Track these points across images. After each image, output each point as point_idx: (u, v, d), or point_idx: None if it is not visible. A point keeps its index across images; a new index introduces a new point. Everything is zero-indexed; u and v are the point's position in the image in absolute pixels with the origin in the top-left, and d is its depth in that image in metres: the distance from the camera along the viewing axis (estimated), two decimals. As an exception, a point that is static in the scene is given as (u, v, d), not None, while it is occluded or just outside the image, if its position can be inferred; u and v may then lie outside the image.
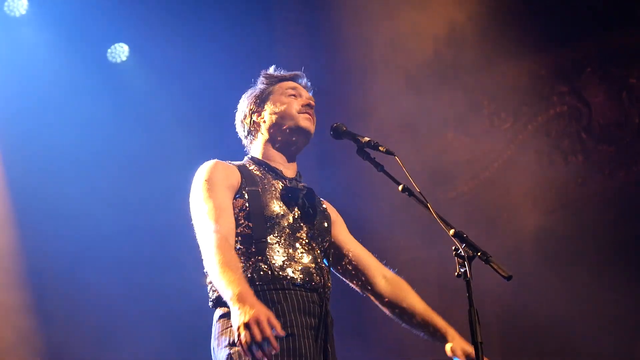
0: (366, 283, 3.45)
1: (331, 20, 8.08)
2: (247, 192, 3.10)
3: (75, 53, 6.97)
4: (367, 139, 3.18)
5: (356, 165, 7.07)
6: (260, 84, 3.41)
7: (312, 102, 3.34)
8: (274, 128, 3.30)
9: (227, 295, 2.69)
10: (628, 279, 6.96)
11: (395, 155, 3.05)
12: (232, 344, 2.93)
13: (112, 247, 6.86)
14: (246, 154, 3.39)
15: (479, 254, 2.75)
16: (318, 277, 3.11)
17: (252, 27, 7.75)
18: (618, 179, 7.35)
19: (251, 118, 3.36)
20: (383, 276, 3.46)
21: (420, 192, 3.00)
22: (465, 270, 2.73)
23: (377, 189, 7.48)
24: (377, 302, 3.48)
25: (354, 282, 3.48)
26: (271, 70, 3.45)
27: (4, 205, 6.64)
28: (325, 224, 3.29)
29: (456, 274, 2.75)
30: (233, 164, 3.24)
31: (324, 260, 3.25)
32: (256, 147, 3.34)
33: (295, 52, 8.18)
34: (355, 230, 7.74)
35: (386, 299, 3.42)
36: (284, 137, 3.29)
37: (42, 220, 6.74)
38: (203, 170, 3.15)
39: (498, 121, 7.71)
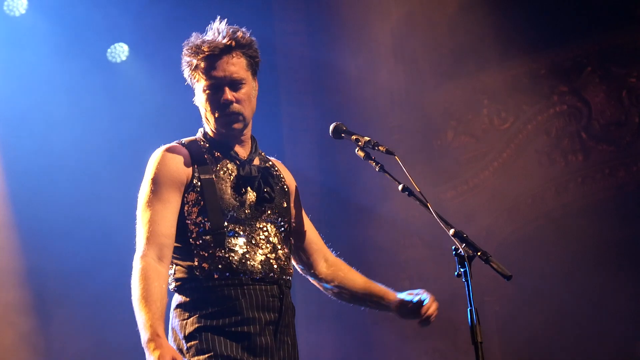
0: (307, 264, 3.40)
1: (331, 20, 8.08)
2: (200, 182, 3.00)
3: (75, 53, 6.97)
4: (367, 138, 3.17)
5: (356, 164, 7.08)
6: (185, 60, 3.24)
7: (228, 97, 3.08)
8: (207, 123, 3.16)
9: (142, 337, 2.76)
10: (628, 278, 6.96)
11: (395, 155, 3.05)
12: (187, 338, 2.94)
13: (113, 247, 6.85)
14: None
15: (479, 253, 2.74)
16: (278, 268, 3.04)
17: (253, 27, 7.75)
18: (618, 179, 7.35)
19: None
20: (325, 259, 3.42)
21: (420, 192, 2.99)
22: (465, 270, 2.72)
23: (377, 190, 7.49)
24: (316, 283, 3.45)
25: (297, 262, 3.40)
26: (192, 40, 3.28)
27: (3, 206, 6.65)
28: (285, 204, 3.18)
29: (456, 273, 2.75)
30: (185, 145, 3.11)
31: (288, 245, 3.17)
32: (205, 125, 3.20)
33: (296, 51, 8.18)
34: (356, 231, 7.76)
35: (327, 284, 3.39)
36: (219, 132, 3.13)
37: (41, 220, 6.74)
38: (149, 165, 3.06)
39: (498, 120, 7.71)
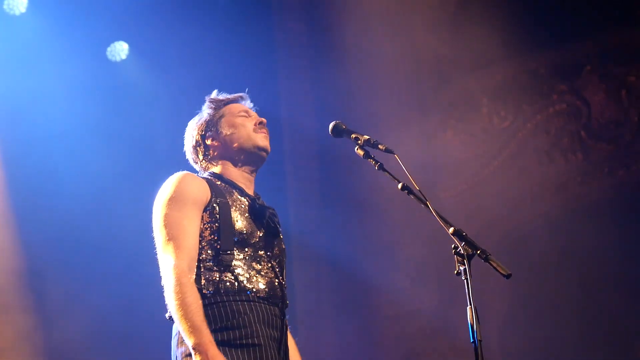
0: None
1: (334, 24, 8.09)
2: (217, 204, 3.11)
3: (74, 51, 6.97)
4: (366, 137, 3.18)
5: (354, 162, 7.09)
6: (207, 110, 3.42)
7: (264, 120, 3.38)
8: (232, 149, 3.32)
9: (189, 343, 2.80)
10: (629, 277, 6.97)
11: (395, 154, 3.05)
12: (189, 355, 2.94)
13: (113, 247, 6.86)
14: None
15: (478, 252, 2.75)
16: (280, 293, 3.15)
17: (252, 26, 7.76)
18: (617, 178, 7.35)
19: (204, 143, 3.37)
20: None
21: (419, 190, 2.99)
22: (465, 269, 2.73)
23: (379, 188, 7.49)
24: None
25: None
26: (214, 94, 3.46)
27: (3, 205, 6.64)
28: (283, 246, 3.30)
29: (455, 272, 2.75)
30: (202, 179, 3.24)
31: (284, 279, 3.27)
32: (216, 168, 3.35)
33: (295, 48, 8.19)
34: (356, 232, 7.74)
35: None
36: (243, 156, 3.32)
37: (42, 220, 6.74)
38: (170, 185, 3.14)
39: (497, 119, 7.72)
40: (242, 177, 3.31)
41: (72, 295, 6.80)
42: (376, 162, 3.14)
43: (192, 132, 3.43)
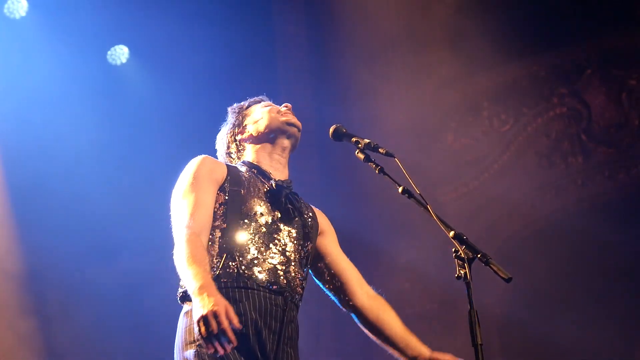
0: (347, 297, 3.42)
1: (332, 23, 8.08)
2: (229, 191, 3.12)
3: (75, 55, 6.98)
4: (366, 140, 3.17)
5: (355, 167, 7.09)
6: (232, 115, 3.45)
7: (289, 105, 3.39)
8: (261, 133, 3.33)
9: (190, 288, 2.75)
10: (629, 279, 6.97)
11: (395, 157, 3.04)
12: (198, 340, 2.90)
13: (112, 249, 6.86)
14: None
15: (478, 255, 2.74)
16: (285, 281, 3.09)
17: (252, 26, 7.76)
18: (618, 181, 7.35)
19: (235, 140, 3.39)
20: (366, 293, 3.44)
21: (420, 194, 2.98)
22: (465, 272, 2.72)
23: (378, 191, 7.49)
24: (356, 319, 3.46)
25: (335, 295, 3.45)
26: (234, 105, 3.51)
27: (3, 206, 6.65)
28: (306, 230, 3.25)
29: (456, 275, 2.74)
30: (223, 163, 3.28)
31: (304, 267, 3.22)
32: (248, 155, 3.36)
33: (295, 49, 8.20)
34: (356, 232, 7.75)
35: (366, 316, 3.41)
36: (272, 136, 3.32)
37: (41, 221, 6.74)
38: (191, 165, 3.17)
39: (498, 122, 7.72)
40: (272, 160, 3.30)
41: (71, 297, 6.80)
42: (376, 165, 3.13)
43: (223, 139, 3.45)
